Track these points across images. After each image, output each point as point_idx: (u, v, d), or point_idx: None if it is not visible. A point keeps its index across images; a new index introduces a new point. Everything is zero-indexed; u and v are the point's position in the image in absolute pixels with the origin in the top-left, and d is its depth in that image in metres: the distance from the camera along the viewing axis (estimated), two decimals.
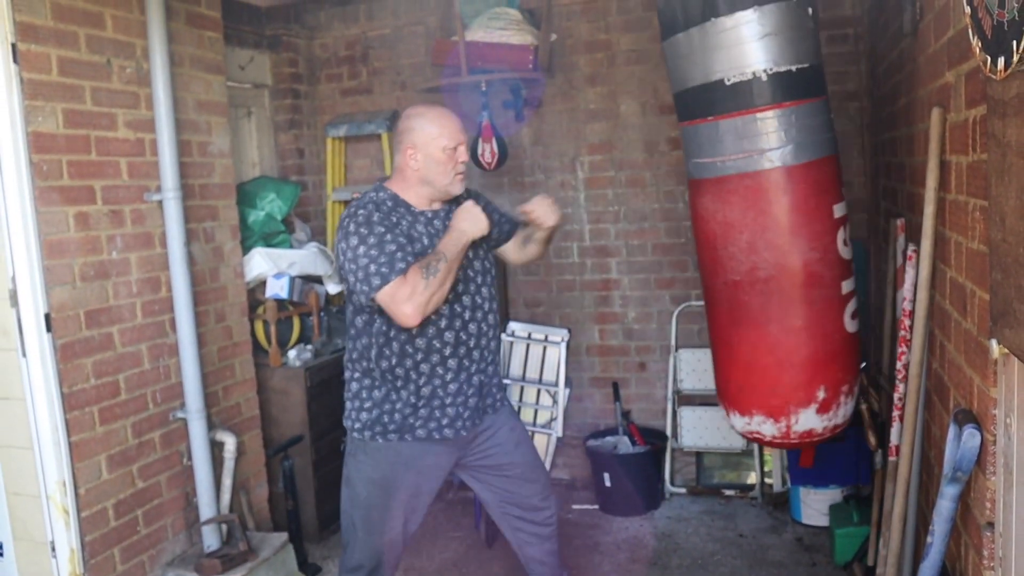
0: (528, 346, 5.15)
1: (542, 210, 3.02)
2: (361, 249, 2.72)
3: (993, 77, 1.49)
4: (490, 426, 3.10)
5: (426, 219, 2.91)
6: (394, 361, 2.88)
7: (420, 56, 5.34)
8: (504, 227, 3.24)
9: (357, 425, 2.97)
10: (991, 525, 2.09)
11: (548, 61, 4.76)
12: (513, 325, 5.21)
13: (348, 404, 3.04)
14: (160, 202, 3.66)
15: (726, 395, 3.43)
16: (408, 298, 2.66)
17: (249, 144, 5.26)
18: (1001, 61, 1.41)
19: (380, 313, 2.83)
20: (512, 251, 3.29)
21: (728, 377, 3.40)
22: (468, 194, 3.08)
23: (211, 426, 3.87)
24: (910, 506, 2.87)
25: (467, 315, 2.94)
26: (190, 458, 3.82)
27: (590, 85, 5.09)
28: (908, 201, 3.19)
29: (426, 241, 2.85)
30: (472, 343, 2.96)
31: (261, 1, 5.03)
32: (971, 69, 2.10)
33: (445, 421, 2.93)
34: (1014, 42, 1.30)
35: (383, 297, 2.69)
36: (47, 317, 3.18)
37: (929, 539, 2.29)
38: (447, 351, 2.90)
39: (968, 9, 1.65)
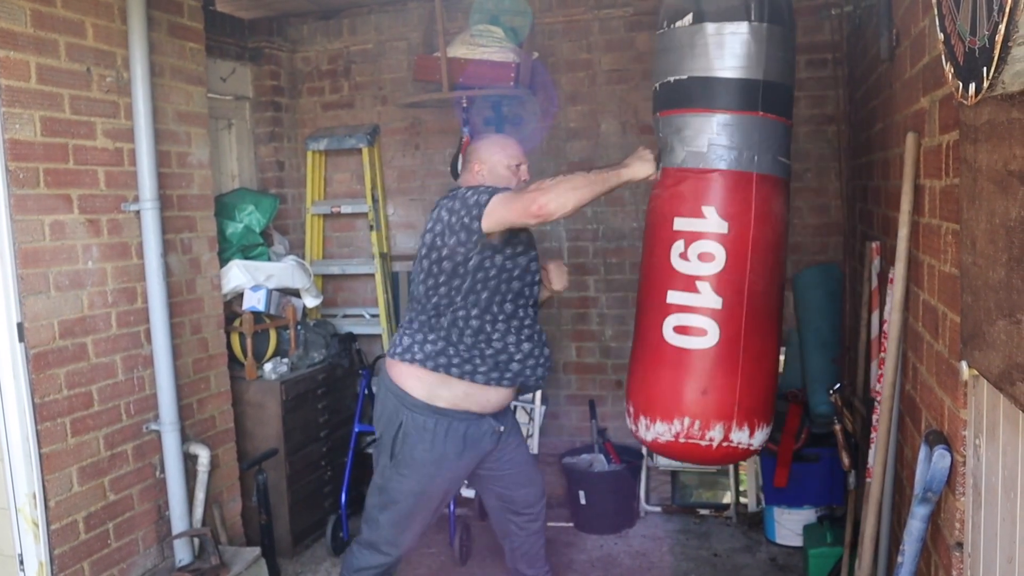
0: None
1: (556, 274, 3.35)
2: (473, 196, 2.96)
3: (965, 103, 1.51)
4: (506, 438, 3.32)
5: None
6: (475, 324, 3.07)
7: (402, 71, 5.36)
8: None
9: (419, 356, 3.08)
10: (960, 545, 2.11)
11: (529, 79, 4.78)
12: None
13: (408, 341, 3.15)
14: (138, 212, 3.64)
15: None
16: (533, 193, 2.83)
17: (229, 156, 5.25)
18: (972, 87, 1.43)
19: (485, 260, 3.00)
20: None
21: None
22: None
23: (185, 439, 3.84)
24: (883, 527, 2.89)
25: (533, 300, 3.19)
26: (163, 471, 3.78)
27: (571, 103, 5.12)
28: (883, 224, 3.22)
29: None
30: (533, 313, 3.21)
31: (244, 13, 5.04)
32: (945, 95, 2.13)
33: (516, 372, 3.15)
34: (984, 68, 1.32)
35: (503, 204, 2.88)
36: (20, 326, 3.15)
37: (900, 559, 2.31)
38: (522, 312, 3.14)
39: (942, 36, 1.68)
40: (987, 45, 1.30)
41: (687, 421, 3.13)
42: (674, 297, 3.12)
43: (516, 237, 3.07)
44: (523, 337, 3.15)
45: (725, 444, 3.15)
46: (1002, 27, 1.19)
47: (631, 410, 3.33)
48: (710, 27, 3.03)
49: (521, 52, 4.70)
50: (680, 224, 3.11)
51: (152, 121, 3.64)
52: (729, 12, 3.03)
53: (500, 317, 3.09)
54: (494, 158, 3.24)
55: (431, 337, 3.10)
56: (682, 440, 3.15)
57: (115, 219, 3.58)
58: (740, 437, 3.15)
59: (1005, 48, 1.21)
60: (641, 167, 3.04)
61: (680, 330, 3.12)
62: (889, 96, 3.08)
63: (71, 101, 3.37)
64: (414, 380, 3.09)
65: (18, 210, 3.14)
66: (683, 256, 3.10)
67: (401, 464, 3.13)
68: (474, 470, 3.31)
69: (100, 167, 3.51)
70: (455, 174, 4.79)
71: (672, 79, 3.13)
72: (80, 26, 3.40)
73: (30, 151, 3.19)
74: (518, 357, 3.14)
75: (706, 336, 3.09)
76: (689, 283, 3.09)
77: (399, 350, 3.15)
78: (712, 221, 3.07)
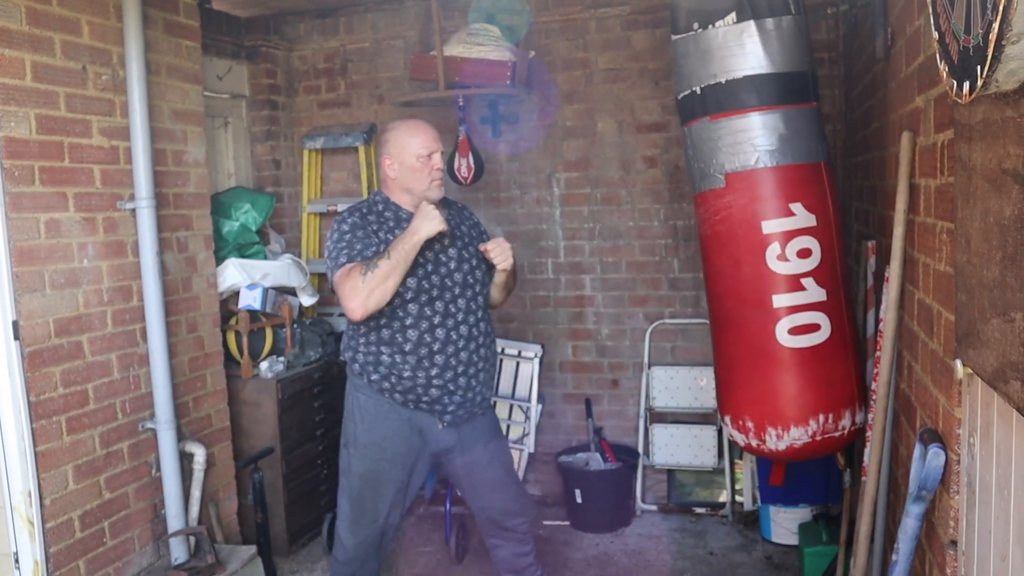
0: (501, 361, 5.16)
1: (498, 251, 3.20)
2: (329, 244, 3.11)
3: (959, 101, 1.52)
4: (460, 443, 3.29)
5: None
6: (363, 349, 3.20)
7: (399, 70, 5.35)
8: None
9: (355, 367, 3.23)
10: (954, 543, 2.11)
11: (526, 77, 4.78)
12: None
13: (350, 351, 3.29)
14: (133, 210, 3.64)
15: None
16: (350, 291, 2.93)
17: (225, 154, 5.24)
18: (967, 86, 1.43)
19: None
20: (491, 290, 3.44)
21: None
22: (457, 207, 3.43)
23: (181, 437, 3.84)
24: (878, 525, 2.89)
25: (436, 319, 3.14)
26: (159, 469, 3.78)
27: (567, 102, 5.12)
28: (879, 223, 3.23)
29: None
30: (436, 347, 3.14)
31: (240, 12, 5.04)
32: (939, 94, 2.14)
33: (417, 397, 3.18)
34: (979, 67, 1.33)
35: (335, 286, 3.01)
36: (15, 324, 3.14)
37: (894, 557, 2.31)
38: (406, 347, 3.12)
39: (936, 35, 1.68)
40: (981, 44, 1.30)
41: (822, 418, 3.17)
42: (781, 300, 3.12)
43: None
44: (419, 364, 3.16)
45: (853, 428, 3.24)
46: (996, 26, 1.20)
47: (750, 426, 3.26)
48: (759, 23, 3.02)
49: (518, 51, 4.70)
50: (770, 226, 3.11)
51: (148, 119, 3.63)
52: (772, 7, 3.03)
53: (406, 331, 3.14)
54: (404, 151, 3.16)
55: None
56: (819, 438, 3.19)
57: (111, 217, 3.57)
58: (861, 418, 3.25)
59: (999, 47, 1.21)
60: (430, 224, 2.97)
61: (795, 331, 3.13)
62: (885, 95, 3.09)
63: (67, 99, 3.36)
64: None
65: (13, 208, 3.13)
66: (781, 257, 3.10)
67: (349, 444, 3.26)
68: (446, 469, 3.37)
69: (96, 165, 3.50)
70: (451, 174, 4.80)
71: (723, 80, 3.08)
72: (76, 24, 3.39)
73: (25, 149, 3.18)
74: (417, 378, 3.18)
75: (820, 331, 3.12)
76: (794, 283, 3.11)
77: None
78: (802, 216, 3.09)
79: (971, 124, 1.73)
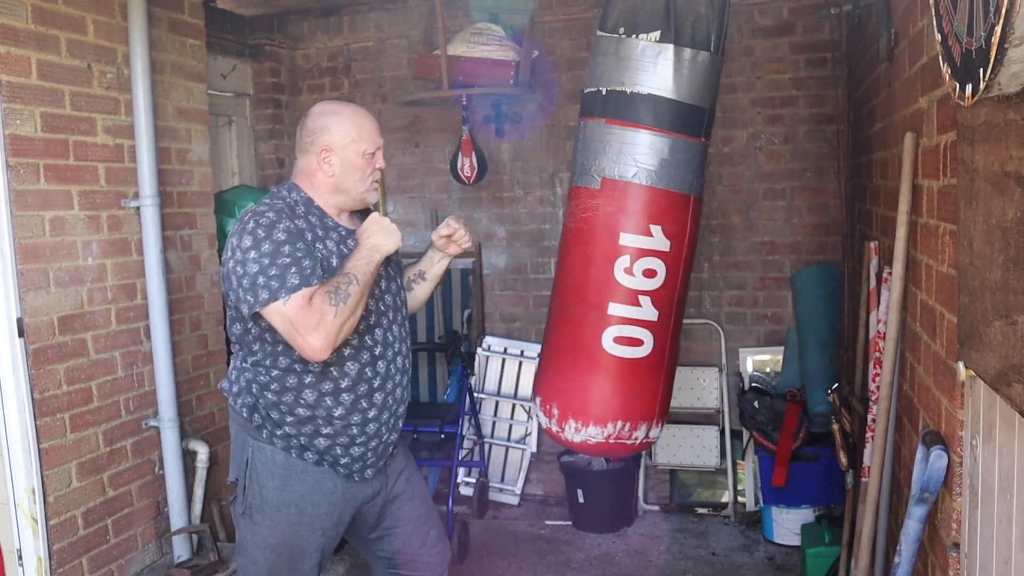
0: (504, 361, 5.16)
1: (461, 231, 2.74)
2: (252, 253, 2.33)
3: (962, 104, 1.52)
4: (384, 485, 2.69)
5: (339, 236, 2.53)
6: (276, 389, 2.48)
7: (402, 69, 5.36)
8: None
9: (253, 417, 2.52)
10: (957, 546, 2.11)
11: (529, 77, 4.78)
12: (489, 340, 5.22)
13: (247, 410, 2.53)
14: (137, 208, 3.65)
15: None
16: (315, 327, 2.27)
17: (229, 153, 5.25)
18: (969, 88, 1.43)
19: (272, 330, 2.40)
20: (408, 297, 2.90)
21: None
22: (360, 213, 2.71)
23: (184, 435, 3.85)
24: (880, 526, 2.89)
25: (377, 350, 2.54)
26: (162, 467, 3.79)
27: (571, 102, 5.12)
28: (882, 224, 3.23)
29: (335, 261, 2.45)
30: (376, 383, 2.54)
31: (245, 10, 5.04)
32: (943, 95, 2.14)
33: (335, 459, 2.53)
34: (981, 70, 1.33)
35: (275, 318, 2.31)
36: (19, 322, 3.16)
37: (896, 559, 2.31)
38: (344, 383, 2.48)
39: (939, 37, 1.68)
40: (983, 46, 1.30)
41: (619, 424, 3.33)
42: (616, 309, 3.26)
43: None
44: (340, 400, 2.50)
45: (645, 440, 3.44)
46: (998, 29, 1.20)
47: (555, 412, 3.42)
48: (678, 50, 3.11)
49: (521, 50, 4.70)
50: (627, 240, 3.22)
51: (152, 118, 3.64)
52: (696, 39, 3.12)
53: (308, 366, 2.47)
54: (351, 145, 2.52)
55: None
56: (612, 441, 3.36)
57: (115, 215, 3.58)
58: (655, 433, 3.47)
59: (1001, 50, 1.21)
60: (391, 240, 2.47)
61: (620, 340, 3.27)
62: (888, 96, 3.09)
63: (72, 97, 3.37)
64: None
65: (18, 206, 3.14)
66: (628, 271, 3.23)
67: (253, 510, 2.53)
68: (353, 524, 2.70)
69: (100, 163, 3.51)
70: (455, 173, 4.80)
71: (628, 90, 3.17)
72: (81, 22, 3.40)
73: (30, 147, 3.19)
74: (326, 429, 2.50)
75: (642, 346, 3.28)
76: (632, 297, 3.24)
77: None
78: (658, 239, 3.22)
79: (974, 126, 1.73)
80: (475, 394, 5.08)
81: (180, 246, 3.97)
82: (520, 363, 5.10)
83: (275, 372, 2.47)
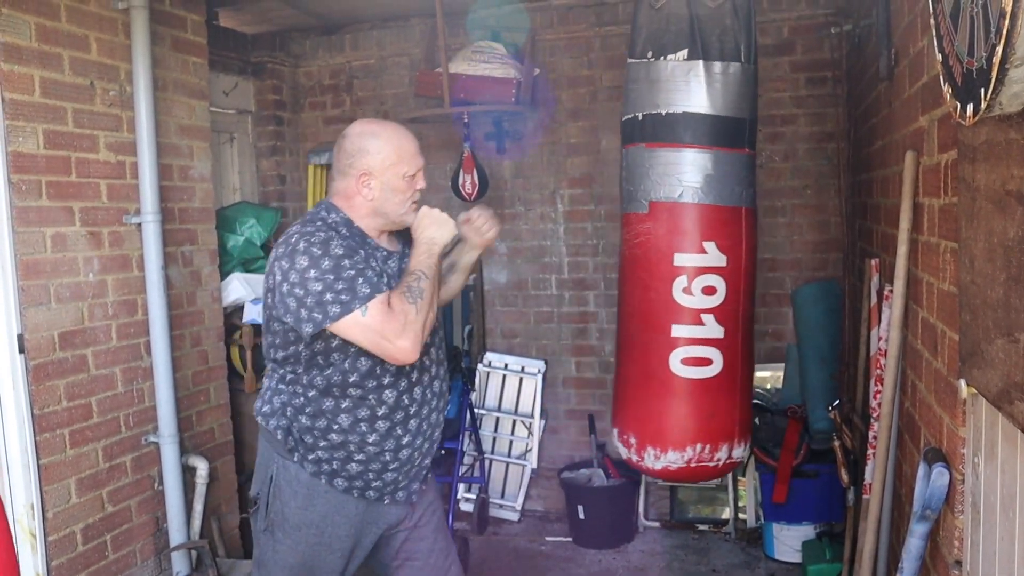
0: (504, 377, 5.16)
1: (483, 218, 2.67)
2: (312, 272, 2.28)
3: (963, 123, 1.53)
4: (409, 514, 2.66)
5: (382, 257, 2.50)
6: (311, 413, 2.45)
7: (404, 87, 5.38)
8: None
9: (287, 440, 2.48)
10: (959, 563, 2.11)
11: (531, 95, 4.80)
12: (490, 355, 5.22)
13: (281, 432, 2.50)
14: (139, 225, 3.65)
15: None
16: (402, 330, 2.26)
17: (231, 169, 5.26)
18: (970, 108, 1.44)
19: (325, 353, 2.39)
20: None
21: None
22: None
23: (184, 451, 3.84)
24: (881, 543, 2.89)
25: (415, 376, 2.51)
26: (161, 483, 3.78)
27: (572, 119, 5.14)
28: (882, 241, 3.23)
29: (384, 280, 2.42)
30: (413, 410, 2.52)
31: (247, 28, 5.07)
32: (943, 114, 2.15)
33: (366, 483, 2.51)
34: (982, 90, 1.33)
35: (354, 330, 2.28)
36: (20, 337, 3.15)
37: None
38: (380, 410, 2.45)
39: (940, 56, 1.69)
40: (985, 67, 1.31)
41: (699, 447, 3.30)
42: (680, 331, 3.25)
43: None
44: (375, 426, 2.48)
45: (728, 461, 3.38)
46: (999, 49, 1.21)
47: (632, 441, 3.41)
48: (707, 64, 3.14)
49: (523, 68, 4.73)
50: (681, 259, 3.23)
51: (154, 135, 3.65)
52: (724, 52, 3.15)
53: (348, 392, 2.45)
54: (392, 168, 2.45)
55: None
56: (693, 464, 3.32)
57: (116, 231, 3.59)
58: (738, 452, 3.40)
59: (1003, 70, 1.22)
60: (445, 230, 2.47)
61: (688, 361, 3.26)
62: (888, 114, 3.10)
63: (74, 114, 3.38)
64: None
65: (20, 222, 3.15)
66: (687, 291, 3.22)
67: (274, 527, 2.51)
68: (375, 549, 2.65)
69: (102, 180, 3.52)
70: (456, 190, 4.81)
71: (664, 112, 3.19)
72: (84, 40, 3.42)
73: (33, 163, 3.20)
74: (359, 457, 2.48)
75: (711, 365, 3.26)
76: (695, 316, 3.24)
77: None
78: (713, 255, 3.21)
79: (975, 145, 1.74)
80: (476, 410, 5.07)
81: (181, 262, 3.97)
82: (520, 379, 5.10)
83: (312, 393, 2.44)
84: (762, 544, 4.62)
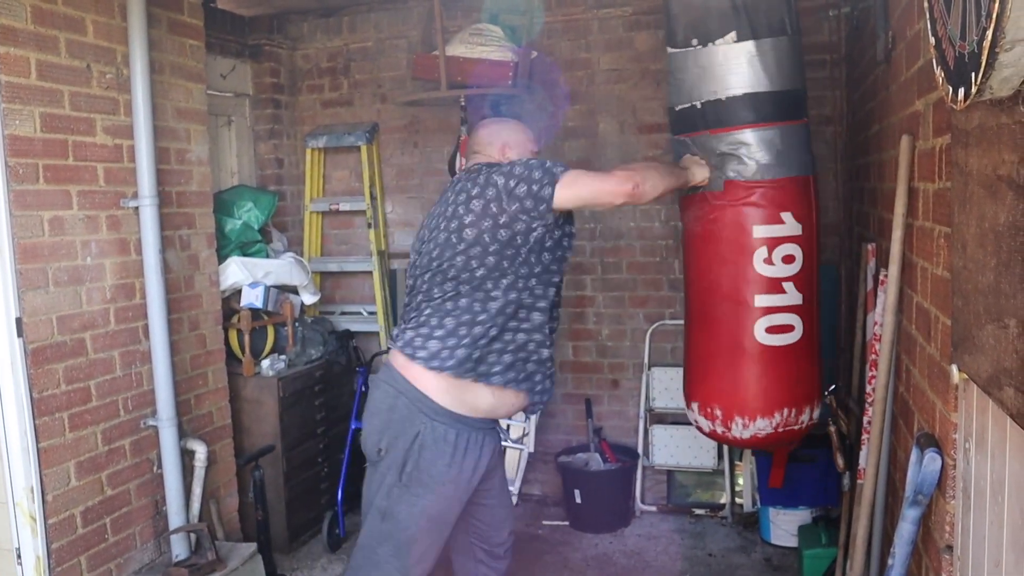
0: None
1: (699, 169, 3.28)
2: (518, 168, 2.73)
3: (955, 107, 1.52)
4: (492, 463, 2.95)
5: None
6: (500, 326, 2.76)
7: (401, 69, 5.37)
8: None
9: (451, 363, 2.72)
10: (950, 548, 2.12)
11: (528, 78, 4.79)
12: None
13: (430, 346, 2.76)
14: (136, 208, 3.65)
15: None
16: (627, 169, 2.86)
17: (228, 153, 5.26)
18: (962, 92, 1.44)
19: (553, 245, 2.80)
20: None
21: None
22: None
23: (182, 434, 3.85)
24: (875, 528, 2.90)
25: (555, 298, 2.93)
26: (160, 466, 3.80)
27: (569, 102, 5.12)
28: (879, 226, 3.24)
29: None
30: (554, 325, 2.97)
31: (244, 11, 5.05)
32: (938, 98, 2.14)
33: (537, 386, 2.90)
34: (973, 73, 1.33)
35: (576, 183, 2.71)
36: (18, 321, 3.16)
37: (890, 561, 2.32)
38: (546, 330, 2.87)
39: (933, 40, 1.68)
40: (976, 50, 1.31)
41: (786, 412, 3.40)
42: (763, 300, 3.31)
43: (569, 225, 2.87)
44: (545, 343, 2.89)
45: (809, 422, 3.49)
46: (990, 33, 1.21)
47: (718, 414, 3.46)
48: (758, 43, 3.15)
49: (520, 51, 4.71)
50: (761, 232, 3.28)
51: (152, 118, 3.65)
52: (771, 27, 3.16)
53: (535, 308, 2.81)
54: (523, 141, 3.02)
55: (447, 323, 2.74)
56: (781, 430, 3.41)
57: (114, 215, 3.59)
58: (817, 413, 3.52)
59: (992, 54, 1.22)
60: (700, 172, 3.19)
61: (772, 330, 3.32)
62: (885, 98, 3.10)
63: (71, 97, 3.38)
64: (436, 382, 2.73)
65: (17, 205, 3.15)
66: (768, 261, 3.28)
67: (413, 482, 2.71)
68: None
69: (99, 163, 3.52)
70: (452, 172, 4.81)
71: (724, 97, 3.21)
72: (80, 23, 3.41)
73: (30, 147, 3.20)
74: (534, 360, 2.86)
75: (793, 331, 3.34)
76: (776, 285, 3.30)
77: (423, 354, 2.74)
78: (790, 225, 3.28)
79: (967, 130, 1.73)
80: None
81: (179, 246, 3.97)
82: None
83: (508, 307, 2.75)
84: (758, 528, 4.65)
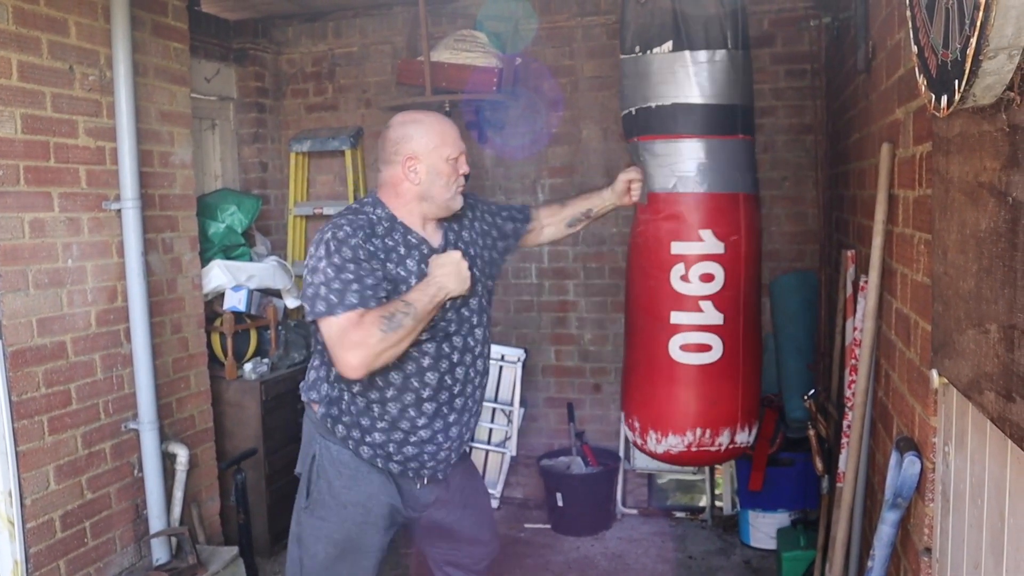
0: None
1: (640, 183, 3.11)
2: (322, 263, 2.39)
3: (938, 115, 1.55)
4: (438, 496, 2.78)
5: (421, 255, 2.55)
6: (362, 405, 2.56)
7: (386, 75, 5.37)
8: (511, 224, 2.99)
9: (336, 428, 2.58)
10: (929, 551, 2.14)
11: (512, 84, 4.81)
12: None
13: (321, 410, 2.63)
14: (119, 211, 3.63)
15: None
16: (356, 346, 2.31)
17: (212, 156, 5.24)
18: (944, 100, 1.46)
19: None
20: (549, 233, 3.16)
21: None
22: (469, 202, 2.77)
23: (164, 438, 3.83)
24: (854, 531, 2.92)
25: (455, 357, 2.60)
26: (141, 470, 3.78)
27: (553, 109, 5.15)
28: (858, 233, 3.26)
29: (413, 281, 2.48)
30: (457, 389, 2.62)
31: (229, 14, 5.04)
32: (919, 107, 2.17)
33: (403, 461, 2.61)
34: (956, 81, 1.35)
35: (327, 330, 2.38)
36: None
37: (870, 564, 2.34)
38: (425, 393, 2.55)
39: (916, 48, 1.71)
40: (959, 58, 1.33)
41: (699, 432, 3.34)
42: (678, 317, 3.27)
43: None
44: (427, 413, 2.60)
45: (731, 446, 3.42)
46: (973, 41, 1.23)
47: (636, 426, 3.45)
48: (693, 54, 3.14)
49: (504, 57, 4.73)
50: (678, 248, 3.24)
51: (135, 120, 3.63)
52: (709, 40, 3.15)
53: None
54: (435, 152, 2.54)
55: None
56: (694, 449, 3.35)
57: (96, 217, 3.57)
58: (742, 437, 3.44)
59: (976, 62, 1.24)
60: (459, 284, 2.47)
61: (687, 348, 3.28)
62: (865, 107, 3.13)
63: (53, 99, 3.36)
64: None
65: None
66: (684, 278, 3.24)
67: (317, 505, 2.60)
68: (416, 527, 2.84)
69: (81, 165, 3.50)
70: None
71: (653, 104, 3.21)
72: (63, 24, 3.39)
73: (11, 148, 3.18)
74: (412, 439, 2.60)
75: (711, 351, 3.28)
76: (692, 303, 3.26)
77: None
78: (709, 243, 3.22)
79: (949, 137, 1.76)
80: None
81: (162, 249, 3.96)
82: (500, 367, 5.11)
83: (356, 387, 2.54)
84: (738, 531, 4.67)
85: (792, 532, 4.18)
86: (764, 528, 4.47)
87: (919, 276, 2.19)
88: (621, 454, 5.03)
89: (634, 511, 5.05)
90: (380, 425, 2.56)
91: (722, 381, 3.33)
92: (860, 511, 2.92)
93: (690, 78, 3.15)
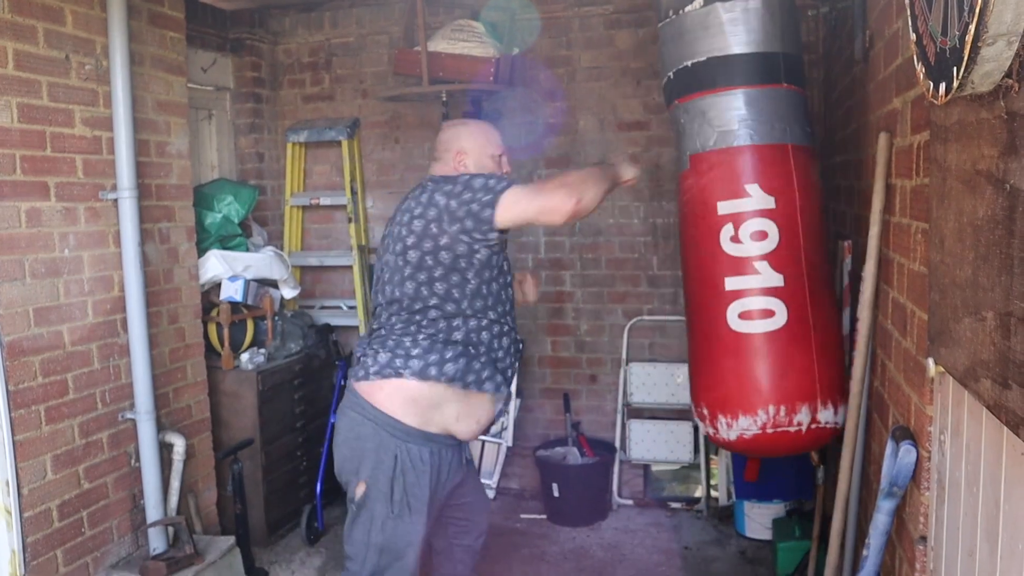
0: None
1: (530, 289, 3.27)
2: (460, 187, 2.65)
3: (936, 103, 1.55)
4: (463, 475, 2.96)
5: None
6: (483, 331, 2.77)
7: (383, 65, 5.36)
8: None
9: (412, 367, 2.68)
10: (924, 539, 2.15)
11: (509, 74, 4.80)
12: None
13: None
14: (115, 201, 3.63)
15: None
16: (563, 184, 2.64)
17: (209, 146, 5.23)
18: (943, 87, 1.47)
19: (481, 263, 2.71)
20: None
21: None
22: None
23: (160, 428, 3.84)
24: (850, 520, 2.94)
25: (509, 305, 2.89)
26: (138, 459, 3.78)
27: (550, 99, 5.14)
28: (855, 224, 3.27)
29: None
30: (512, 323, 2.90)
31: (226, 4, 5.02)
32: (916, 96, 2.18)
33: (500, 379, 2.83)
34: (955, 68, 1.36)
35: (515, 196, 2.60)
36: None
37: (865, 552, 2.35)
38: (506, 327, 2.83)
39: (914, 36, 1.71)
40: (957, 45, 1.33)
41: (772, 409, 3.01)
42: (733, 283, 3.01)
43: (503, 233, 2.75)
44: (507, 343, 2.86)
45: (814, 426, 3.03)
46: (972, 27, 1.23)
47: (705, 413, 3.17)
48: (727, 5, 3.01)
49: (501, 47, 4.72)
50: (725, 207, 3.02)
51: (131, 110, 3.62)
52: None
53: (494, 317, 2.78)
54: (483, 147, 2.88)
55: (423, 343, 2.69)
56: (769, 431, 3.02)
57: (93, 207, 3.57)
58: (826, 416, 3.05)
59: (975, 48, 1.24)
60: (629, 168, 2.94)
61: (745, 315, 3.01)
62: (863, 97, 3.13)
63: (49, 88, 3.35)
64: (404, 402, 2.67)
65: None
66: (735, 239, 3.00)
67: (404, 510, 2.67)
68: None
69: (78, 155, 3.50)
70: None
71: (689, 63, 3.09)
72: (59, 13, 3.38)
73: (7, 137, 3.17)
74: (507, 362, 2.86)
75: (774, 317, 2.99)
76: (747, 266, 3.00)
77: (376, 368, 2.71)
78: (757, 198, 3.00)
79: (947, 125, 1.76)
80: None
81: (158, 239, 3.95)
82: None
83: (472, 322, 2.74)
84: (733, 521, 4.69)
85: (787, 522, 4.19)
86: (759, 518, 4.49)
87: (916, 265, 2.19)
88: (617, 444, 5.04)
89: (630, 502, 5.06)
90: (504, 342, 2.82)
91: (791, 348, 2.99)
92: (856, 500, 2.93)
93: (723, 30, 3.01)
